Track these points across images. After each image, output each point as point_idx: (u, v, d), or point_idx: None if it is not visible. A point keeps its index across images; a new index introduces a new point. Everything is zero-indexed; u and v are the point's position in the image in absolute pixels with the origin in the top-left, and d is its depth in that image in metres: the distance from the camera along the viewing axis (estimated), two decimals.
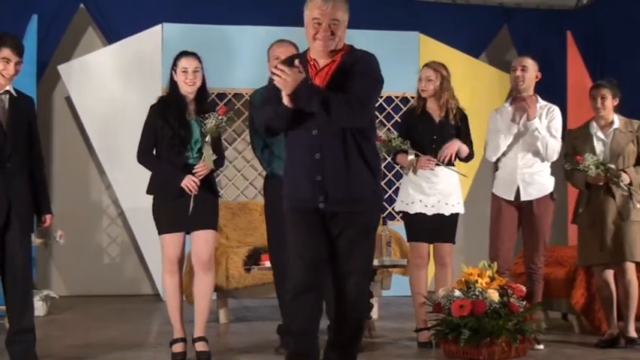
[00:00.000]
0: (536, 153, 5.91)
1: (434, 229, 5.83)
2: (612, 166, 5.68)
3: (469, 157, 5.98)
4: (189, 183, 5.12)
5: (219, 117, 5.22)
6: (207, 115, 5.23)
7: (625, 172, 5.71)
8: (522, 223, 5.97)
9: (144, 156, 5.34)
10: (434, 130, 5.85)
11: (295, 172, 3.99)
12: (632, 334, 5.74)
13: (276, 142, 5.48)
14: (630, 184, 5.69)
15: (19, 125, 4.88)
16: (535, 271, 5.93)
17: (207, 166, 5.20)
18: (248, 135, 9.50)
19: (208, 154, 5.21)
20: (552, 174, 6.08)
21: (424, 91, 5.89)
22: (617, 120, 5.90)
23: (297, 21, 9.61)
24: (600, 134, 5.86)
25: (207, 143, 5.22)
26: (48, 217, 5.12)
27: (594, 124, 5.93)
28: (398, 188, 6.60)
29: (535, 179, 5.94)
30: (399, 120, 9.34)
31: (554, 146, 5.88)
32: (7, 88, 4.91)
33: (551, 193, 5.98)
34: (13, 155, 4.84)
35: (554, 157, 5.94)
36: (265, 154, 5.65)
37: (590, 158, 5.65)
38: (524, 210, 5.93)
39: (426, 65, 5.97)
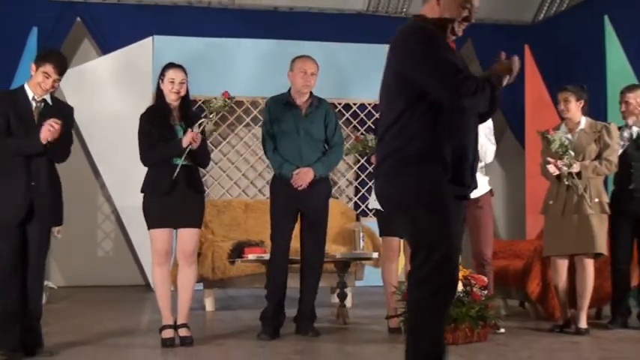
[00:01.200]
0: None
1: None
2: (572, 153, 5.70)
3: None
4: (190, 138, 5.10)
5: (226, 99, 5.29)
6: (214, 99, 5.30)
7: (573, 162, 5.73)
8: (468, 220, 5.97)
9: (145, 157, 5.31)
10: None
11: (462, 157, 3.36)
12: (583, 324, 5.75)
13: (284, 146, 5.65)
14: (579, 174, 5.71)
15: None
16: (486, 261, 5.91)
17: (197, 135, 5.17)
18: (232, 138, 9.64)
19: (210, 128, 5.25)
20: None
21: None
22: (584, 121, 5.90)
23: (281, 34, 9.70)
24: (568, 135, 5.87)
25: (211, 120, 5.26)
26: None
27: (564, 125, 5.95)
28: (371, 187, 6.61)
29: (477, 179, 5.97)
30: (371, 125, 9.40)
31: (492, 150, 5.96)
32: (45, 97, 4.85)
33: (491, 190, 6.05)
34: (38, 157, 4.76)
35: (491, 159, 6.00)
36: (276, 156, 5.70)
37: (559, 134, 5.69)
38: (471, 207, 5.93)
39: None
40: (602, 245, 5.74)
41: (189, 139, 5.12)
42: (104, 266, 10.04)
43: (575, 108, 5.86)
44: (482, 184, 5.99)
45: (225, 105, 5.34)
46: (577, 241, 5.72)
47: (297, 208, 5.70)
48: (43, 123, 4.68)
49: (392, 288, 5.75)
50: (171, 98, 5.29)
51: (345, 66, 9.80)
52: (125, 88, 9.39)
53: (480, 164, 6.00)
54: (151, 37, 9.49)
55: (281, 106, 5.75)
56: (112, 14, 9.78)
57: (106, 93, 9.42)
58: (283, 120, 5.71)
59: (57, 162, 4.94)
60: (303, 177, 5.59)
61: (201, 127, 5.23)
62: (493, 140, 6.02)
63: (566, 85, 6.04)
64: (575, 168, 5.66)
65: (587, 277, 5.76)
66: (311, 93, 5.79)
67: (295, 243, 5.83)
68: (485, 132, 5.94)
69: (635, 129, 6.04)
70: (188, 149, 5.16)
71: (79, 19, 9.75)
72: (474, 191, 5.85)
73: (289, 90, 5.79)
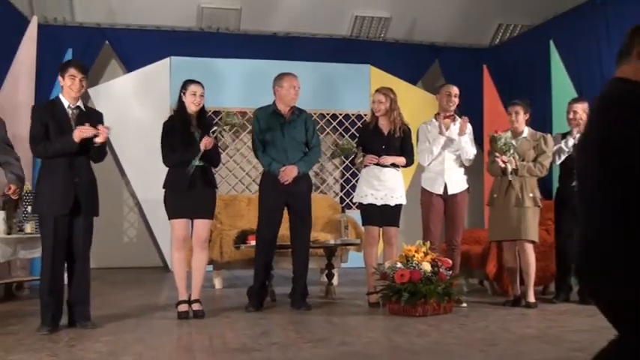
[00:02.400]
0: (457, 158, 6.00)
1: (382, 216, 5.88)
2: (515, 155, 5.78)
3: (408, 164, 6.03)
4: (205, 144, 5.13)
5: (239, 117, 5.35)
6: (229, 113, 5.33)
7: (517, 160, 5.80)
8: (446, 211, 6.03)
9: (168, 158, 5.30)
10: (382, 141, 5.90)
11: None
12: (531, 299, 5.81)
13: (272, 148, 5.67)
14: (516, 170, 5.78)
15: None
16: (456, 246, 6.00)
17: (211, 142, 5.19)
18: (237, 143, 9.64)
19: (225, 136, 5.30)
20: (469, 175, 6.18)
21: (377, 111, 5.93)
22: (526, 131, 5.97)
23: (279, 56, 9.72)
24: (512, 141, 5.92)
25: (226, 131, 5.35)
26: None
27: (510, 132, 5.99)
28: (355, 185, 6.64)
29: (457, 178, 6.02)
30: (355, 132, 9.43)
31: (472, 153, 5.99)
32: (78, 104, 4.82)
33: (467, 188, 6.08)
34: (80, 156, 4.75)
35: (471, 159, 6.04)
36: (266, 156, 5.72)
37: (505, 135, 5.79)
38: (449, 201, 5.99)
39: (378, 90, 6.00)
40: (534, 234, 5.82)
41: (205, 144, 5.15)
42: (128, 251, 10.04)
43: (522, 119, 5.94)
44: (462, 182, 6.05)
45: (237, 123, 5.39)
46: (515, 229, 5.79)
47: (285, 202, 5.71)
48: (79, 125, 4.66)
49: (372, 269, 5.78)
50: (192, 109, 5.30)
51: (332, 82, 9.83)
52: (146, 101, 9.39)
53: (461, 167, 6.05)
54: (168, 58, 9.48)
55: (269, 115, 5.77)
56: (135, 38, 9.77)
57: (130, 105, 9.41)
58: (271, 126, 5.73)
59: (96, 162, 4.90)
60: (289, 173, 5.62)
61: (215, 135, 5.25)
62: (474, 146, 6.07)
63: (516, 99, 6.12)
64: (513, 162, 5.75)
65: (529, 259, 5.81)
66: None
67: (286, 230, 5.85)
68: (471, 137, 6.01)
69: (577, 136, 6.07)
70: (202, 152, 5.18)
71: (107, 42, 9.76)
72: (454, 187, 5.96)
73: (274, 102, 5.82)
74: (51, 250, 4.65)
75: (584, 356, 3.74)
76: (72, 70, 4.76)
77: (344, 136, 9.71)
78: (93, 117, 4.90)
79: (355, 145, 5.89)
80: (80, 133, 4.64)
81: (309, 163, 5.82)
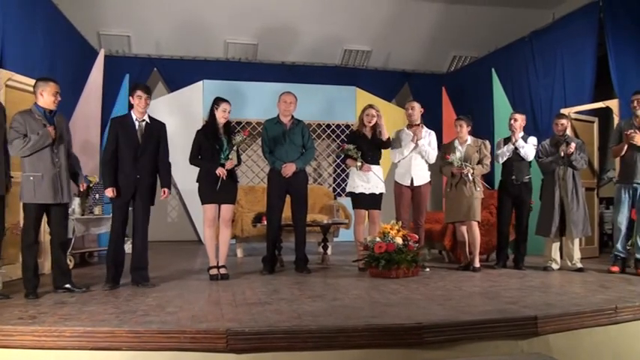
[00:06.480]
0: (421, 158, 5.99)
1: (369, 202, 5.86)
2: (467, 163, 5.80)
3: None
4: (220, 171, 5.16)
5: (244, 136, 5.28)
6: (236, 131, 5.29)
7: (472, 168, 5.82)
8: (413, 198, 6.03)
9: (193, 160, 5.32)
10: (369, 143, 5.90)
11: None
12: (477, 264, 5.84)
13: (277, 150, 5.64)
14: (472, 174, 5.81)
15: (149, 141, 4.80)
16: (421, 225, 5.98)
17: (232, 163, 5.22)
18: (254, 145, 9.63)
19: (234, 156, 5.25)
20: (432, 171, 6.17)
21: (369, 123, 5.89)
22: (469, 139, 5.99)
23: (287, 79, 9.68)
24: (459, 147, 5.95)
25: (234, 151, 5.26)
26: (165, 190, 4.96)
27: (457, 141, 6.02)
28: (344, 179, 6.62)
29: (421, 173, 6.00)
30: (344, 138, 9.42)
31: (433, 155, 5.99)
32: (144, 118, 4.83)
33: (430, 181, 6.08)
34: (142, 157, 4.77)
35: (433, 160, 6.03)
36: (271, 156, 5.70)
37: (454, 157, 5.79)
38: (415, 191, 5.99)
39: (371, 107, 5.93)
40: (479, 216, 5.86)
41: (221, 172, 5.15)
42: (171, 228, 10.03)
43: (465, 130, 5.97)
44: (425, 177, 6.04)
45: (243, 141, 5.33)
46: (465, 213, 5.82)
47: (286, 191, 5.69)
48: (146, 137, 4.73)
49: (360, 241, 5.79)
50: (221, 121, 5.29)
51: (327, 100, 9.81)
52: (184, 114, 9.34)
53: (425, 164, 6.04)
54: (201, 81, 9.46)
55: (274, 125, 5.75)
56: (177, 66, 9.76)
57: (173, 116, 9.37)
58: (275, 133, 5.71)
59: (165, 166, 4.93)
60: (289, 168, 5.61)
61: (230, 150, 5.23)
62: (436, 149, 6.06)
63: (461, 115, 6.20)
64: (471, 170, 5.80)
65: (475, 234, 5.83)
66: (292, 116, 5.79)
67: (289, 213, 5.84)
68: (432, 144, 6.00)
69: (517, 142, 6.08)
70: (228, 153, 5.19)
71: (155, 69, 9.74)
72: (419, 181, 5.95)
73: (278, 114, 5.81)
74: (117, 227, 4.77)
75: (515, 307, 3.76)
76: (138, 92, 4.80)
77: (336, 141, 9.75)
78: (155, 128, 4.90)
79: (357, 153, 5.84)
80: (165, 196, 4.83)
81: (304, 160, 5.79)
